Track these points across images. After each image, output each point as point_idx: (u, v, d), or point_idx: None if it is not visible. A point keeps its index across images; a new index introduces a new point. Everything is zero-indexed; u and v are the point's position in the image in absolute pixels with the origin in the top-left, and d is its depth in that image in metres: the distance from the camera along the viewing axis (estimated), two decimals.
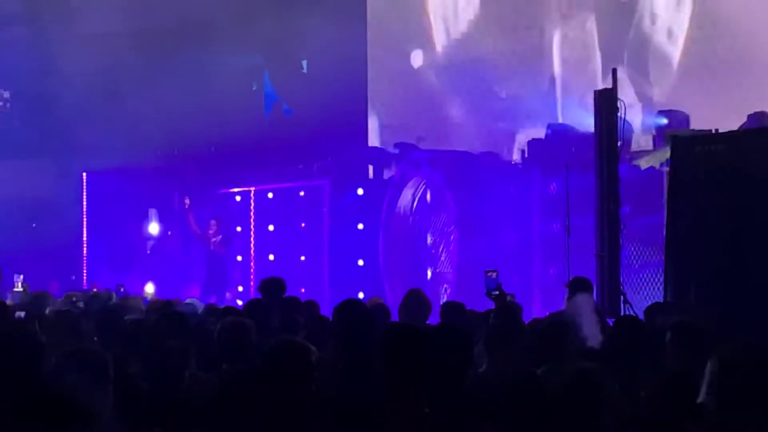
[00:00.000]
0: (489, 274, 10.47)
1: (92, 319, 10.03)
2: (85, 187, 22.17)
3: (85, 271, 21.92)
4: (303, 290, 17.65)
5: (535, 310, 15.30)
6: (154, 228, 22.29)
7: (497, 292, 10.30)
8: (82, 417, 3.79)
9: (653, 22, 18.07)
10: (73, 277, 21.03)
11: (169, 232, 21.93)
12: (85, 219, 22.16)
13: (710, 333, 7.32)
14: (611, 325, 8.72)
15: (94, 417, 3.86)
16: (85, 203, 22.18)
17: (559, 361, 7.01)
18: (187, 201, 20.35)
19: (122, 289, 15.32)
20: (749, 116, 14.18)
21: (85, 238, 22.10)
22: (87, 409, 3.84)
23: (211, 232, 20.06)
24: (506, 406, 5.92)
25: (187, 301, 12.94)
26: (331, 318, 8.83)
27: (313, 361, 5.76)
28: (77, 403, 3.82)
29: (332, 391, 6.23)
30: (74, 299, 12.79)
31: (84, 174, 22.18)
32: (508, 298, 10.93)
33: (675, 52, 17.77)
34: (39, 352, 5.83)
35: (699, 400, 5.29)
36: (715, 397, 5.13)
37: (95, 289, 16.03)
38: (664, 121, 15.55)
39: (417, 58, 21.79)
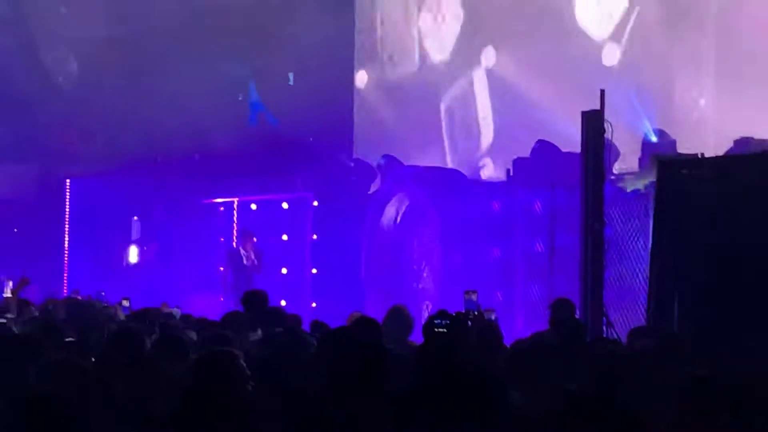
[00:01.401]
0: (468, 294, 10.45)
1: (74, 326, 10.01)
2: (68, 193, 22.08)
3: (65, 277, 21.82)
4: (284, 303, 17.62)
5: (517, 328, 15.30)
6: (133, 256, 22.23)
7: (476, 313, 10.28)
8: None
9: None
10: (54, 284, 20.93)
11: (145, 248, 21.75)
12: (67, 226, 22.07)
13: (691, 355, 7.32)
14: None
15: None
16: (68, 210, 22.09)
17: (542, 384, 6.99)
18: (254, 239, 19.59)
19: (102, 294, 15.30)
20: (735, 141, 14.22)
21: (66, 245, 22.01)
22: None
23: (248, 249, 19.36)
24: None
25: (173, 310, 12.94)
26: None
27: (242, 365, 5.81)
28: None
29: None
30: (50, 306, 12.76)
31: (68, 181, 22.10)
32: (492, 315, 10.93)
33: None
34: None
35: None
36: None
37: (78, 297, 15.95)
38: (654, 139, 15.58)
39: (397, 70, 21.80)
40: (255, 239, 19.37)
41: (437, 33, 21.15)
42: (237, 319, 9.83)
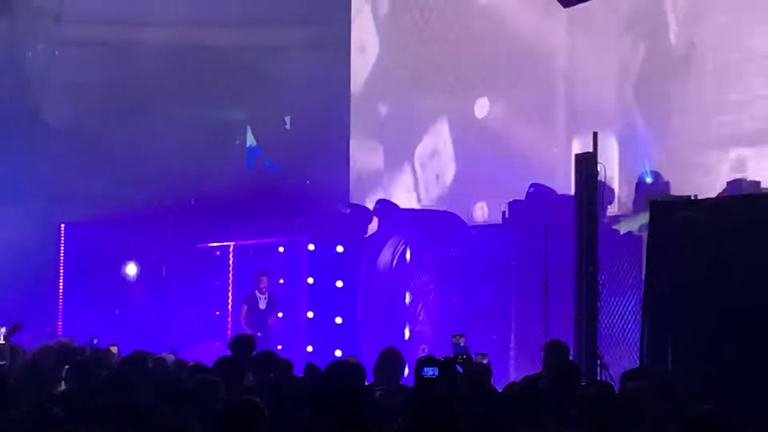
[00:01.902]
0: (456, 338, 10.43)
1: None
2: (62, 237, 22.05)
3: (60, 322, 21.75)
4: (280, 347, 17.58)
5: (511, 371, 15.26)
6: (132, 271, 22.16)
7: (464, 357, 10.26)
8: None
9: None
10: (48, 330, 20.84)
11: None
12: (62, 270, 22.01)
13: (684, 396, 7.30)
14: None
15: None
16: (62, 254, 22.04)
17: (535, 428, 6.97)
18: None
19: (95, 341, 15.21)
20: (729, 183, 14.23)
21: (61, 290, 21.95)
22: None
23: (263, 286, 19.03)
24: None
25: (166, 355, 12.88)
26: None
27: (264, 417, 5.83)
28: None
29: None
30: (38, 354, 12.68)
31: (62, 225, 22.06)
32: (485, 360, 10.89)
33: None
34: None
35: None
36: None
37: (73, 343, 15.87)
38: (649, 179, 15.59)
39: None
40: (266, 279, 19.10)
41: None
42: (229, 364, 9.78)
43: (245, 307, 19.08)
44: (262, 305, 18.97)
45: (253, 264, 20.28)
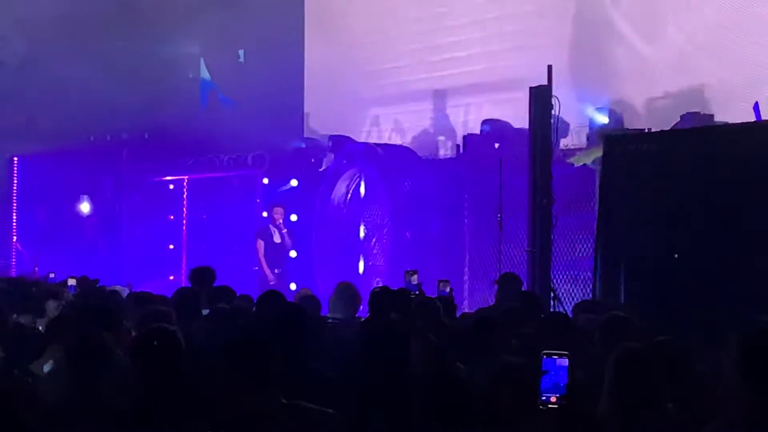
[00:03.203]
0: (408, 275, 10.45)
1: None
2: (15, 170, 21.91)
3: (13, 256, 21.68)
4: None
5: (464, 304, 15.37)
6: (85, 207, 22.06)
7: (417, 294, 10.30)
8: None
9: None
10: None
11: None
12: (15, 203, 21.90)
13: (637, 329, 7.37)
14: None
15: None
16: (15, 188, 21.92)
17: (486, 357, 7.03)
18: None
19: (52, 276, 15.20)
20: (682, 116, 14.30)
21: (14, 223, 21.84)
22: None
23: (278, 219, 18.21)
24: (432, 401, 5.95)
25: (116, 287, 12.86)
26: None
27: (181, 345, 5.84)
28: None
29: None
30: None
31: (15, 158, 21.92)
32: (447, 287, 10.94)
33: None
34: None
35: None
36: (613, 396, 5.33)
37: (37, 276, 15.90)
38: (605, 120, 15.60)
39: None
40: (281, 210, 18.31)
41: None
42: (185, 296, 9.79)
43: (261, 243, 18.28)
44: (277, 239, 18.31)
45: (207, 198, 20.27)
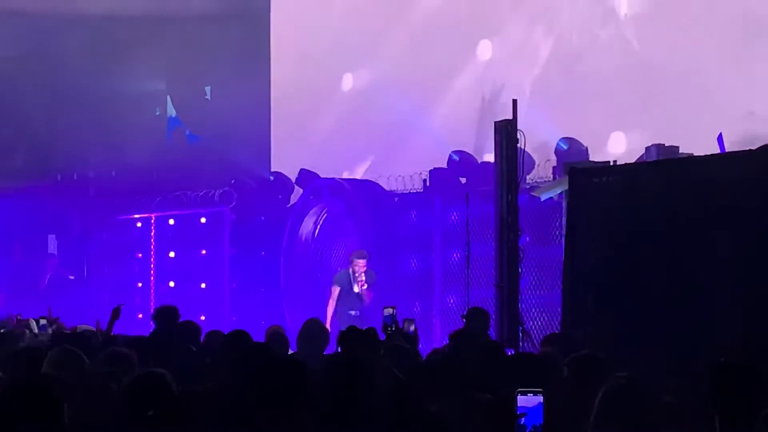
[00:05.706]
0: (386, 310, 10.45)
1: None
2: None
3: None
4: (203, 317, 17.55)
5: (435, 339, 15.37)
6: (51, 247, 21.99)
7: (393, 328, 10.28)
8: None
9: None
10: None
11: (72, 277, 21.36)
12: None
13: (605, 364, 7.38)
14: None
15: None
16: None
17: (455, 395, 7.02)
18: None
19: (19, 317, 15.08)
20: (647, 148, 14.37)
21: None
22: None
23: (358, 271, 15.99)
24: None
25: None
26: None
27: (175, 391, 5.81)
28: None
29: None
30: None
31: None
32: (412, 326, 10.92)
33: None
34: None
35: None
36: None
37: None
38: (565, 147, 15.68)
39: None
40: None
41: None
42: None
43: (337, 289, 16.25)
44: (356, 289, 16.10)
45: (175, 235, 20.23)
